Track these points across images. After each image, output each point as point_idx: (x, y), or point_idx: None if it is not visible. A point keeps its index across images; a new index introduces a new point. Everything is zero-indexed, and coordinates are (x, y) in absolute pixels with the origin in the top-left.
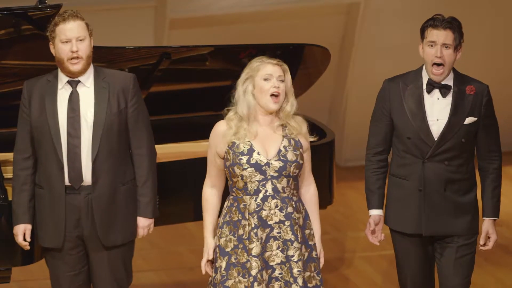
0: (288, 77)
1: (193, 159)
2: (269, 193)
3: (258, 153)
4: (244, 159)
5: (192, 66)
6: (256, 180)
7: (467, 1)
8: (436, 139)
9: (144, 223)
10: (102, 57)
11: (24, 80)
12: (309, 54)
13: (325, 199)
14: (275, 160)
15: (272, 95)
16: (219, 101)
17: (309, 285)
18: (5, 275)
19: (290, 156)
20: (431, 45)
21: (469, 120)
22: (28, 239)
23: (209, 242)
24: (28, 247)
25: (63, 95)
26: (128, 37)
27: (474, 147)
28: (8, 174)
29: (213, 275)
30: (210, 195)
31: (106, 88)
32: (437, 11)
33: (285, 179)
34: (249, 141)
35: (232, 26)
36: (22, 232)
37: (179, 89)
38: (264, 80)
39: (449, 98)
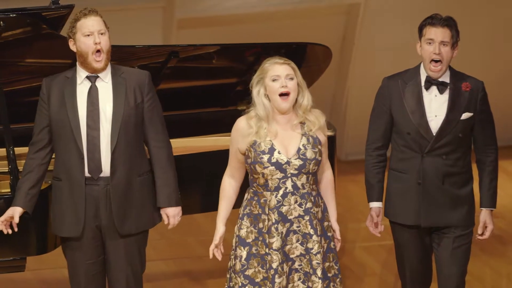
0: (298, 73)
1: (201, 153)
2: (289, 190)
3: (279, 152)
4: (265, 158)
5: (199, 64)
6: (277, 178)
7: (465, 2)
8: (434, 135)
9: (174, 212)
10: (113, 55)
11: (38, 77)
12: (311, 52)
13: None
14: (295, 159)
15: (281, 94)
16: (225, 98)
17: (328, 274)
18: (20, 264)
19: (309, 154)
20: (429, 43)
21: (465, 115)
22: (16, 220)
23: (219, 228)
24: (6, 231)
25: (82, 90)
26: (137, 36)
27: (470, 142)
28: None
29: (233, 262)
30: (228, 185)
31: (123, 83)
32: (435, 12)
33: (304, 176)
34: (270, 140)
35: (238, 26)
36: (10, 214)
37: (186, 86)
38: (272, 81)
39: (446, 95)
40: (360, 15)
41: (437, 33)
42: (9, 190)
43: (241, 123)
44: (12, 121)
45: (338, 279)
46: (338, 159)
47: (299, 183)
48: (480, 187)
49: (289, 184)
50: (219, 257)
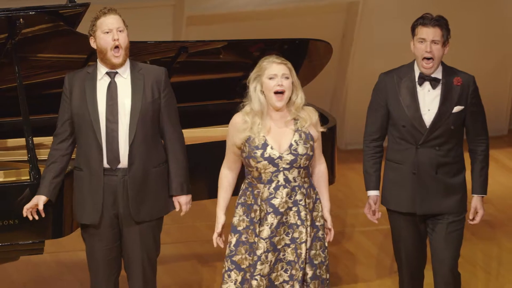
0: (294, 73)
1: (208, 143)
2: (281, 183)
3: (272, 148)
4: (259, 153)
5: (207, 59)
6: (269, 171)
7: (458, 0)
8: (428, 127)
9: (186, 200)
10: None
11: (55, 72)
12: (313, 48)
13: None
14: (287, 154)
15: (275, 92)
16: (231, 91)
17: (315, 262)
18: (39, 247)
19: (301, 149)
20: (421, 42)
21: (457, 108)
22: (41, 208)
23: (220, 217)
24: (31, 217)
25: (102, 85)
26: (149, 32)
27: (462, 134)
28: (42, 156)
29: (227, 249)
30: (226, 176)
31: (142, 79)
32: (433, 11)
33: (296, 170)
34: (264, 136)
35: (244, 23)
36: (35, 202)
37: (195, 79)
38: (269, 79)
39: (439, 89)
40: (359, 13)
41: (428, 33)
42: (28, 177)
43: (237, 118)
44: (31, 113)
45: (324, 266)
46: (338, 148)
47: (290, 177)
48: (472, 175)
49: (281, 177)
50: (222, 245)
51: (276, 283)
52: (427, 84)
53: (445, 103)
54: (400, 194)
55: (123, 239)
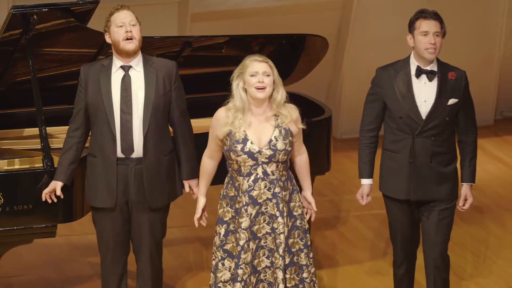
0: (275, 71)
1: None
2: (260, 176)
3: (251, 142)
4: (239, 147)
5: (210, 53)
6: (249, 165)
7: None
8: (424, 118)
9: (195, 183)
10: None
11: (67, 65)
12: (310, 43)
13: (324, 167)
14: (266, 149)
15: (257, 88)
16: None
17: (292, 249)
18: (52, 230)
19: (280, 145)
20: (425, 34)
21: (451, 101)
22: (58, 193)
23: (200, 201)
24: (50, 200)
25: (116, 78)
26: (155, 28)
27: (454, 126)
28: (54, 145)
29: (215, 239)
30: (207, 164)
31: (154, 72)
32: (420, 7)
33: (274, 164)
34: (244, 131)
35: (245, 19)
36: (52, 187)
37: (199, 72)
38: (251, 76)
39: (435, 82)
40: (353, 10)
41: (430, 25)
42: (41, 165)
43: (220, 113)
44: (44, 104)
45: (303, 253)
46: (333, 137)
47: (269, 170)
48: (461, 165)
49: (259, 170)
50: (204, 224)
51: (258, 268)
52: (424, 77)
53: (441, 95)
54: (396, 182)
55: (132, 223)
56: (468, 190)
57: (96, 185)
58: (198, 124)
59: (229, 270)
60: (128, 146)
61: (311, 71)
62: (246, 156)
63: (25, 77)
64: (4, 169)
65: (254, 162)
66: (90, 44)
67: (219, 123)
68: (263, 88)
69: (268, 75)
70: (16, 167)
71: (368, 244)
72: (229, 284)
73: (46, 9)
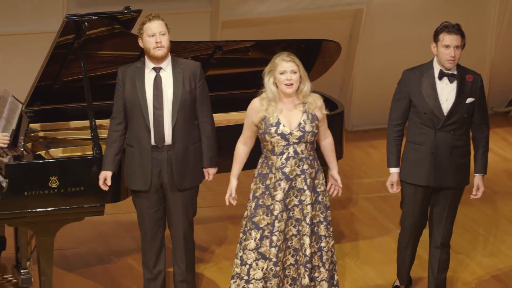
0: (301, 67)
1: (239, 124)
2: (291, 154)
3: (284, 125)
4: (273, 129)
5: (238, 56)
6: (282, 145)
7: (445, 7)
8: (445, 114)
9: (213, 171)
10: (172, 48)
11: (113, 66)
12: (325, 47)
13: (337, 154)
14: (296, 131)
15: (286, 84)
16: (258, 82)
17: (314, 220)
18: (100, 209)
19: (308, 127)
20: (447, 47)
21: (469, 100)
22: (109, 183)
23: (232, 182)
24: (106, 188)
25: (149, 78)
26: (190, 34)
27: (470, 122)
28: (102, 135)
29: (245, 212)
30: (241, 149)
31: (181, 73)
32: (424, 16)
33: (303, 144)
34: (277, 116)
35: (269, 26)
36: (103, 176)
37: (228, 72)
38: (280, 74)
39: (455, 83)
40: (363, 18)
41: (452, 40)
42: (91, 152)
43: (255, 102)
44: (94, 99)
45: (322, 225)
46: (345, 129)
47: (298, 150)
48: (474, 158)
49: (291, 150)
50: (234, 203)
51: (287, 236)
52: (445, 79)
53: (460, 95)
54: (419, 170)
55: (167, 203)
56: (480, 181)
57: (134, 171)
58: (227, 118)
59: (255, 240)
60: (160, 137)
61: (326, 72)
62: (279, 137)
63: (77, 76)
64: (59, 156)
65: (286, 142)
66: (133, 47)
67: (255, 110)
68: (291, 85)
69: (295, 72)
70: (70, 154)
71: (375, 222)
72: (261, 262)
73: (96, 17)
